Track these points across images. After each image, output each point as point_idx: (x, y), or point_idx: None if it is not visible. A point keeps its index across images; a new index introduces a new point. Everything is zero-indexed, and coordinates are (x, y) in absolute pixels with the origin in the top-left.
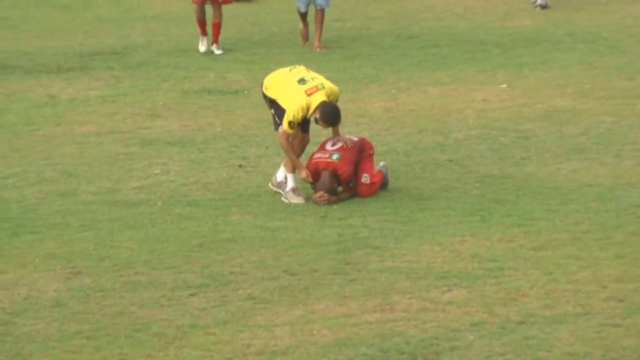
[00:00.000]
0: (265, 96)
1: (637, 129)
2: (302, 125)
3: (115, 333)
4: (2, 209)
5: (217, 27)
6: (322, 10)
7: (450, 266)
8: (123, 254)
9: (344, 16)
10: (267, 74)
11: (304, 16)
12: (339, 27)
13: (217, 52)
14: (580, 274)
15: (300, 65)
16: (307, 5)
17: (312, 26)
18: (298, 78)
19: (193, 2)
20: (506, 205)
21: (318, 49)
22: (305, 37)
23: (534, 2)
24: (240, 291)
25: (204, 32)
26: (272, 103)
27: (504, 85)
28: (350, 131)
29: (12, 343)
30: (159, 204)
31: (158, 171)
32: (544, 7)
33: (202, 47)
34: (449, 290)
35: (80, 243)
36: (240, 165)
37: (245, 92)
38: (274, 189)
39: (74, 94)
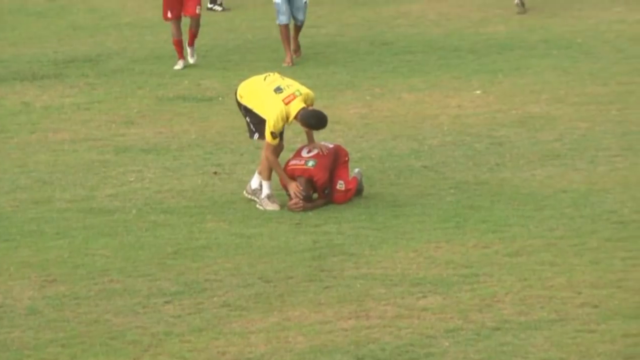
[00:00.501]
0: (239, 104)
1: (611, 135)
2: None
3: (90, 341)
4: None
5: (194, 35)
6: (300, 27)
7: (425, 272)
8: (98, 261)
9: (319, 22)
10: (242, 80)
11: (285, 30)
12: (313, 34)
13: (192, 60)
14: (555, 280)
15: (274, 73)
16: (289, 18)
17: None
18: (274, 87)
19: (165, 19)
20: (481, 211)
21: (295, 55)
22: (291, 60)
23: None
24: (215, 298)
25: (181, 55)
26: (248, 111)
27: (478, 92)
28: (325, 138)
29: None
30: (134, 211)
31: (133, 178)
32: (522, 5)
33: (178, 67)
34: (424, 296)
35: (55, 251)
36: (215, 173)
37: (220, 99)
38: (249, 196)
39: (48, 101)
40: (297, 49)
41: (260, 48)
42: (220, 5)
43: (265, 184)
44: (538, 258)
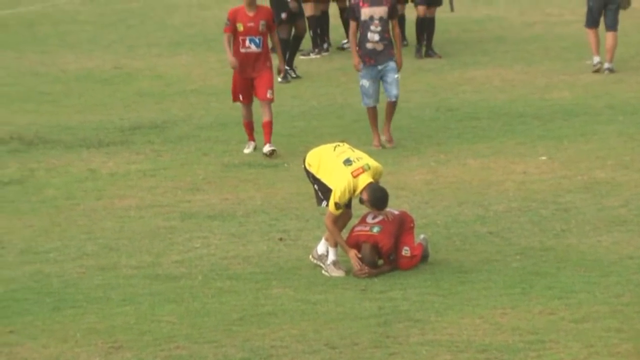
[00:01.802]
0: (308, 172)
1: None
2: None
3: None
4: (43, 283)
5: (269, 126)
6: (394, 103)
7: (491, 339)
8: (164, 328)
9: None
10: (307, 147)
11: (373, 112)
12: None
13: (269, 148)
14: (621, 347)
15: (344, 143)
16: (377, 100)
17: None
18: (344, 158)
19: (234, 100)
20: (547, 277)
21: (389, 144)
22: (379, 142)
23: (595, 65)
24: None
25: (252, 137)
26: (316, 180)
27: (543, 158)
28: (390, 204)
29: None
30: (200, 277)
31: (198, 245)
32: (611, 70)
33: (248, 150)
34: None
35: (121, 317)
36: (280, 239)
37: (285, 165)
38: (315, 261)
39: (114, 168)
40: (390, 137)
41: (324, 115)
42: (294, 71)
43: (331, 250)
44: (604, 324)
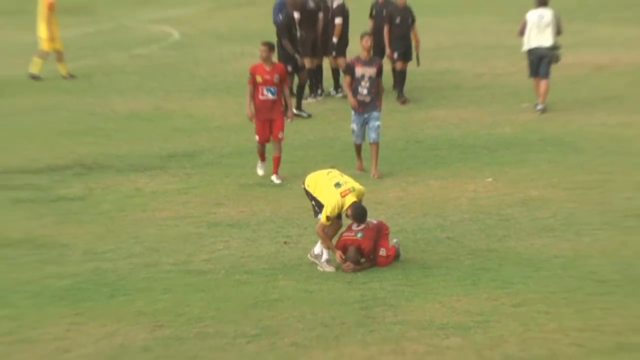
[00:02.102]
0: (306, 191)
1: (593, 213)
2: (337, 215)
3: None
4: (101, 276)
5: (277, 161)
6: (376, 145)
7: (448, 319)
8: (195, 310)
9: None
10: (305, 171)
11: (359, 149)
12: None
13: (277, 181)
14: (548, 325)
15: (334, 169)
16: (362, 139)
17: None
18: (334, 182)
19: (258, 142)
20: (491, 272)
21: (375, 176)
22: (361, 167)
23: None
24: (286, 339)
25: (263, 159)
26: (313, 197)
27: (489, 179)
28: (370, 215)
29: None
30: (222, 272)
31: (221, 247)
32: (543, 110)
33: (260, 171)
34: (447, 338)
35: (162, 303)
36: (285, 242)
37: (289, 185)
38: (312, 260)
39: (155, 187)
40: (378, 174)
41: (319, 146)
42: (305, 112)
43: (324, 251)
44: (535, 308)
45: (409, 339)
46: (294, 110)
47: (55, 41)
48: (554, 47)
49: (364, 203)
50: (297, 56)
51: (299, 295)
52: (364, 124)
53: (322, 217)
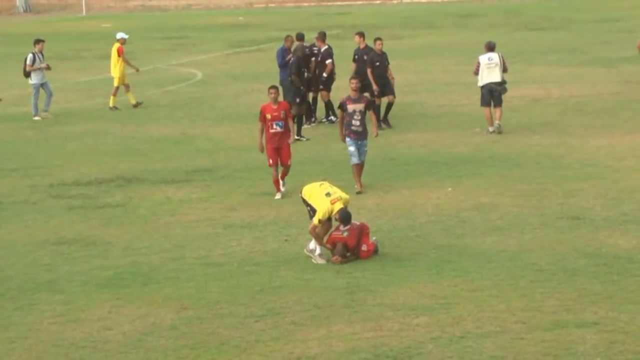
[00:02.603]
0: (303, 200)
1: (533, 215)
2: (328, 218)
3: (208, 346)
4: (136, 268)
5: (284, 175)
6: (363, 162)
7: (417, 302)
8: (213, 296)
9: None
10: (302, 183)
11: (357, 168)
12: (344, 155)
13: (283, 188)
14: (498, 306)
15: (325, 182)
16: (359, 159)
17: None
18: (325, 192)
19: (269, 165)
20: (452, 263)
21: (359, 189)
22: (359, 189)
23: (492, 131)
24: (286, 319)
25: (278, 189)
26: (308, 204)
27: (450, 189)
28: (354, 218)
29: (143, 352)
30: (236, 264)
31: (235, 244)
32: (500, 128)
33: (277, 197)
34: (417, 317)
35: (186, 290)
36: (286, 240)
37: (289, 194)
38: (307, 253)
39: (182, 196)
40: (361, 188)
41: (312, 162)
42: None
43: (317, 247)
44: (488, 293)
45: (386, 318)
46: (295, 137)
47: (124, 78)
48: (502, 82)
49: (349, 209)
50: (302, 88)
51: (297, 282)
52: (357, 147)
53: (315, 220)
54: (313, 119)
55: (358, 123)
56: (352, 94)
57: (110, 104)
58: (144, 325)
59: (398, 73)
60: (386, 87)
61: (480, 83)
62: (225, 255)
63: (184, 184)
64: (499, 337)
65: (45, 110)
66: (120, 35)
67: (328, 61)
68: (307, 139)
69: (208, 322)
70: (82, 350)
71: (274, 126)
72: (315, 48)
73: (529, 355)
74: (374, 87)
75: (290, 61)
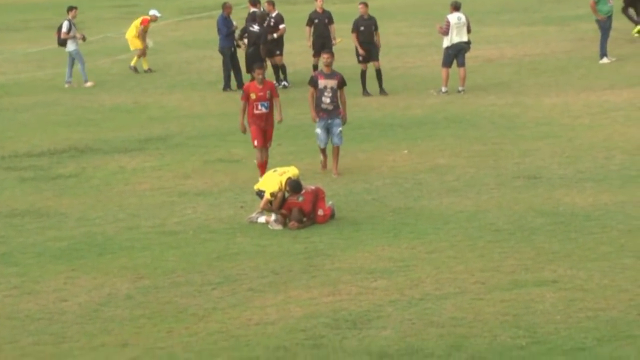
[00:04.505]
0: (257, 193)
1: (489, 176)
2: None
3: (165, 314)
4: (91, 238)
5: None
6: (338, 147)
7: (376, 265)
8: (169, 264)
9: (305, 110)
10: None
11: (323, 151)
12: (301, 118)
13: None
14: (457, 268)
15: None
16: (326, 143)
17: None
18: (272, 170)
19: (256, 146)
20: (409, 226)
21: (336, 175)
22: (324, 166)
23: (439, 91)
24: (243, 285)
25: (263, 172)
26: (260, 191)
27: (405, 151)
28: (310, 182)
29: (100, 323)
30: (191, 232)
31: (190, 211)
32: (463, 91)
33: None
34: (375, 280)
35: (142, 259)
36: (241, 207)
37: (243, 160)
38: (251, 221)
39: (135, 165)
40: (337, 173)
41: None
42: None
43: (273, 215)
44: (446, 254)
45: (344, 282)
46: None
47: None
48: (468, 42)
49: (302, 179)
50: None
51: (254, 249)
52: (326, 129)
53: (266, 194)
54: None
55: (328, 100)
56: (325, 69)
57: (145, 67)
58: (100, 296)
59: (349, 37)
60: (372, 53)
61: (447, 43)
62: (181, 223)
63: (137, 153)
64: (458, 298)
65: (69, 82)
66: (152, 12)
67: (282, 26)
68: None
69: (164, 291)
70: (38, 322)
71: (259, 107)
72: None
73: (489, 316)
74: (360, 51)
75: (248, 29)
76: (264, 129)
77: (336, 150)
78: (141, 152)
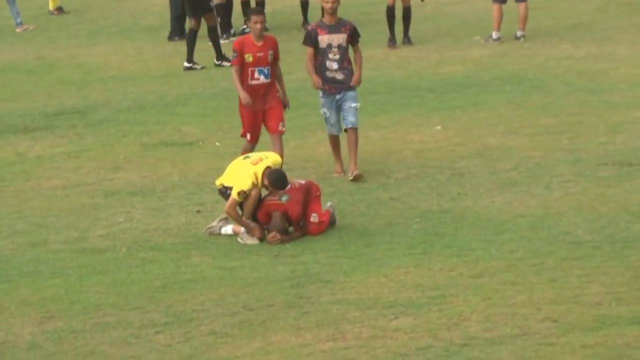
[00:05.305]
0: (219, 191)
1: (563, 163)
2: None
3: None
4: None
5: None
6: (355, 131)
7: (396, 296)
8: (92, 297)
9: (290, 69)
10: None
11: (334, 141)
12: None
13: None
14: (516, 298)
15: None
16: (339, 129)
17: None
18: (243, 157)
19: (242, 136)
20: (445, 237)
21: (354, 174)
22: (341, 170)
23: (488, 38)
24: (202, 327)
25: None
26: (226, 189)
27: (438, 127)
28: (298, 175)
29: None
30: (124, 249)
31: (122, 219)
32: (523, 37)
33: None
34: (396, 318)
35: (52, 289)
36: (198, 211)
37: (200, 143)
38: (213, 232)
39: (40, 151)
40: (357, 172)
41: (233, 95)
42: (228, 60)
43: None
44: (500, 278)
45: (350, 321)
46: (215, 61)
47: None
48: None
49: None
50: None
51: (217, 273)
52: (337, 107)
53: (234, 192)
54: (232, 30)
55: (336, 66)
56: (327, 19)
57: (51, 7)
58: None
59: None
60: None
61: None
62: (108, 236)
63: (43, 134)
64: (518, 343)
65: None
66: None
67: None
68: (202, 67)
69: (85, 337)
70: None
71: (257, 75)
72: None
73: None
74: None
75: None
76: (262, 110)
77: (352, 135)
78: (49, 131)
